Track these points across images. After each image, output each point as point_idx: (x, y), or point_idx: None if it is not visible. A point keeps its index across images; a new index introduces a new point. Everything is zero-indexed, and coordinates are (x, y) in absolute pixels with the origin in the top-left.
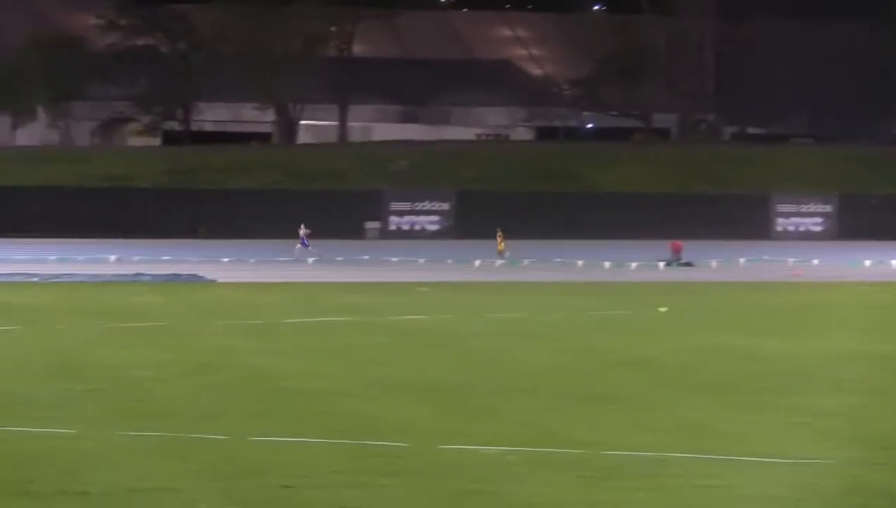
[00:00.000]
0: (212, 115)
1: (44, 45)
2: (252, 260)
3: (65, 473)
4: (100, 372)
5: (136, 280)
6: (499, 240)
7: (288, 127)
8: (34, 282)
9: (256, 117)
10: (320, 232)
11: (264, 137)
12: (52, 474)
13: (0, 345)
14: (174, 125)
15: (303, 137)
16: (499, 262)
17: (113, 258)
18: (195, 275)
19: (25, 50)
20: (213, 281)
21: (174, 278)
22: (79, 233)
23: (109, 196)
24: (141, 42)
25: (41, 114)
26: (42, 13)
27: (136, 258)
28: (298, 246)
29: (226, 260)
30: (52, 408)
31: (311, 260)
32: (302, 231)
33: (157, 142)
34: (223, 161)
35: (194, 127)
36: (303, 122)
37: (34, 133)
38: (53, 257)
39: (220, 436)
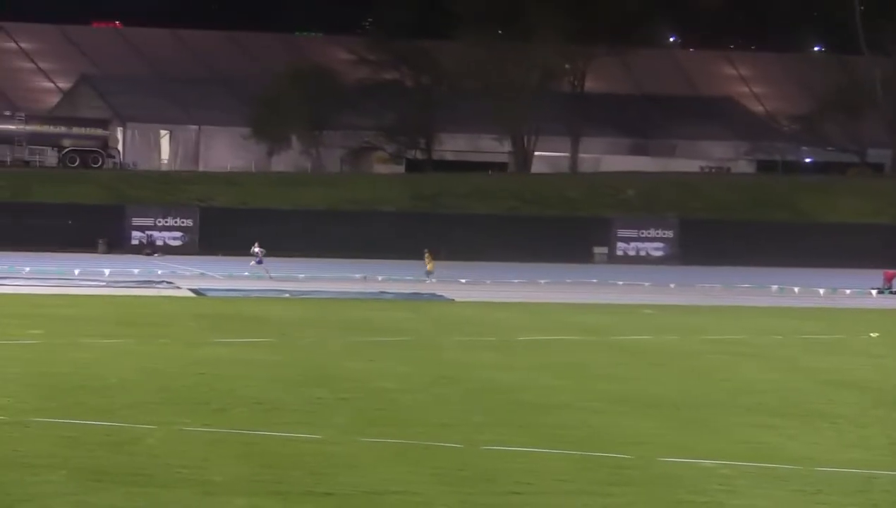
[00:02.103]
0: (452, 145)
1: (300, 77)
2: (488, 281)
3: (312, 475)
4: (346, 382)
5: (379, 297)
6: (427, 259)
7: (523, 157)
8: (286, 298)
9: (494, 147)
10: (551, 255)
11: (501, 166)
12: (300, 476)
13: (254, 355)
14: (417, 153)
15: (537, 167)
16: (431, 280)
17: (359, 276)
18: (435, 294)
19: (283, 82)
20: (451, 300)
21: (415, 296)
22: (328, 252)
23: (356, 218)
24: (388, 76)
25: (295, 142)
26: (298, 47)
27: (381, 277)
28: (253, 262)
29: (464, 280)
30: (302, 415)
31: (270, 274)
32: (256, 248)
33: (401, 169)
34: (463, 187)
35: (436, 155)
36: (537, 153)
37: (288, 159)
38: (303, 274)
39: (456, 444)
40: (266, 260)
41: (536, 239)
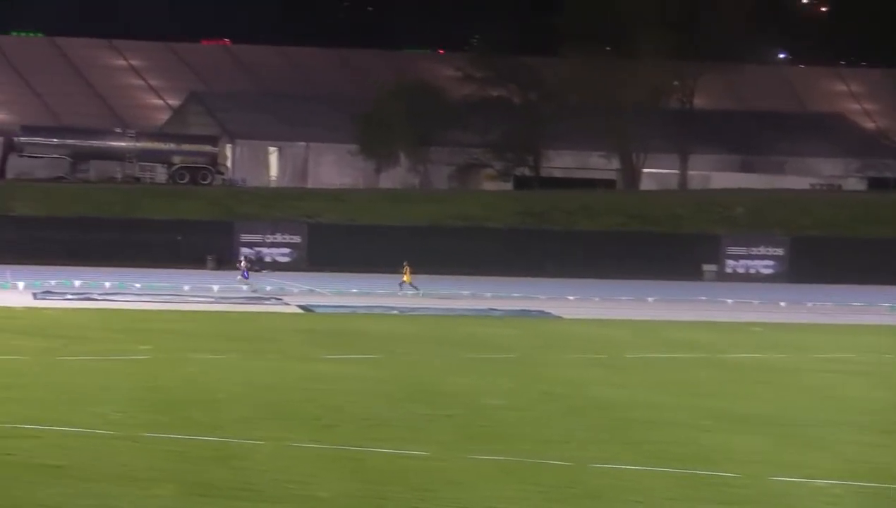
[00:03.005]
0: (560, 162)
1: (407, 94)
2: (596, 298)
3: (416, 491)
4: (452, 398)
5: (487, 314)
6: (405, 272)
7: (631, 174)
8: (394, 314)
9: (602, 164)
10: (659, 272)
11: (609, 183)
12: (404, 492)
13: (361, 371)
14: (525, 170)
15: (645, 184)
16: (405, 292)
17: (466, 293)
18: (543, 311)
19: (390, 98)
20: (559, 317)
21: (523, 313)
22: (435, 268)
23: (464, 235)
24: (495, 92)
25: (402, 158)
26: (404, 65)
27: (489, 294)
28: (239, 277)
29: (572, 297)
30: (408, 431)
31: (245, 288)
32: (242, 263)
33: (508, 186)
34: (570, 204)
35: (543, 172)
36: (645, 170)
37: (396, 176)
38: (411, 291)
39: (563, 462)
40: (377, 276)
41: (644, 256)
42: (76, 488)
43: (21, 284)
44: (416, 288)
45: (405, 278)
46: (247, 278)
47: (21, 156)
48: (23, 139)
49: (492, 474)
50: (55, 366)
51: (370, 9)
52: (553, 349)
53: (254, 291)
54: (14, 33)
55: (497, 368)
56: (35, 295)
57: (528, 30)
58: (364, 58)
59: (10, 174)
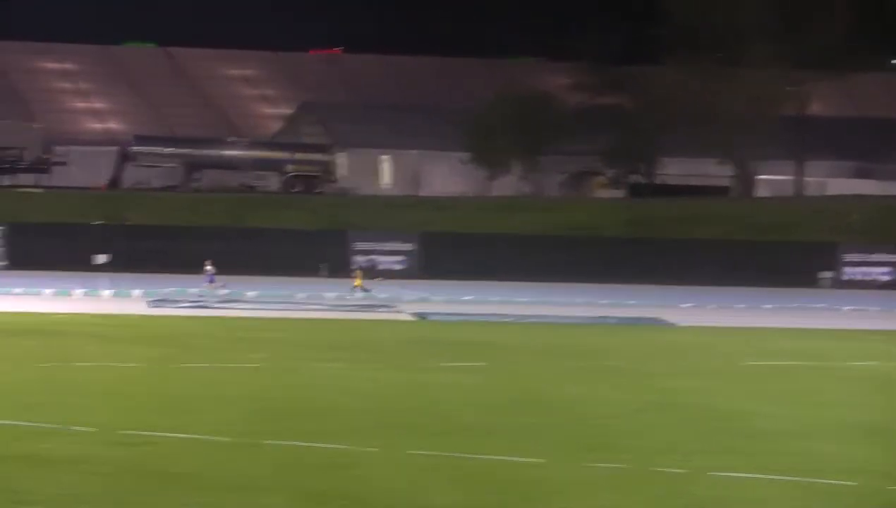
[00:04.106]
0: (672, 170)
1: (518, 103)
2: (711, 306)
3: (527, 501)
4: (563, 406)
5: (600, 322)
6: (357, 276)
7: (745, 181)
8: (506, 323)
9: (715, 172)
10: (775, 280)
11: (722, 191)
12: (515, 501)
13: (472, 380)
14: (637, 178)
15: (760, 190)
16: (356, 295)
17: (579, 301)
18: (656, 319)
19: (501, 108)
20: (672, 325)
21: (636, 321)
22: (548, 277)
23: (576, 243)
24: (606, 100)
25: (514, 167)
26: (510, 73)
27: (602, 302)
28: (205, 283)
29: (685, 305)
30: (518, 439)
31: (223, 291)
32: (208, 267)
33: (620, 194)
34: (683, 212)
35: (656, 180)
36: (760, 177)
37: (507, 184)
38: (524, 299)
39: (677, 470)
40: (490, 284)
41: (759, 263)
42: (190, 496)
43: (136, 293)
44: (367, 290)
45: (356, 282)
46: (212, 282)
47: (135, 166)
48: (137, 149)
49: (602, 483)
50: (169, 374)
51: (475, 19)
52: (666, 357)
53: (369, 299)
54: (128, 44)
55: (610, 377)
56: (150, 304)
57: (636, 38)
58: (471, 67)
59: (124, 183)
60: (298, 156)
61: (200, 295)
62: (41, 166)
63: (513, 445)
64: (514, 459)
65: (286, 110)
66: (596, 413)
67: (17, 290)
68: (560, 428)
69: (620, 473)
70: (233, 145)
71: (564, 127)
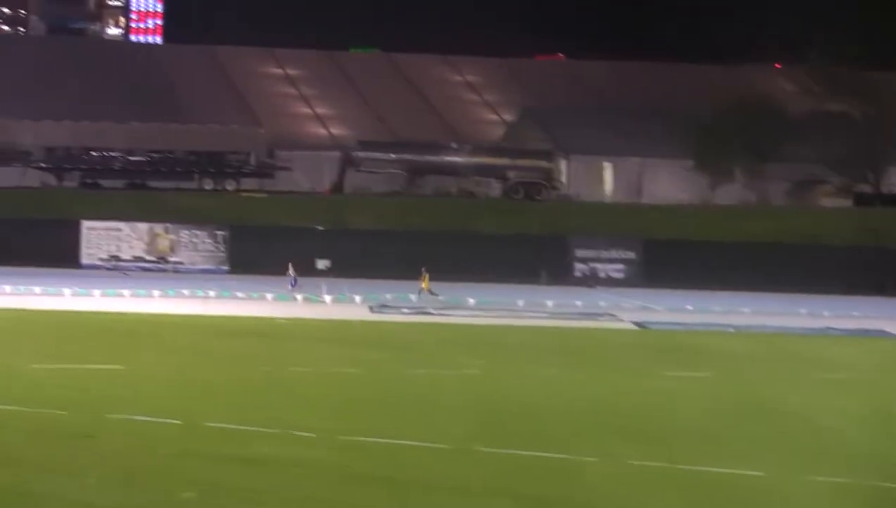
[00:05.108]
0: None
1: (744, 109)
2: None
3: None
4: (787, 417)
5: (825, 333)
6: (423, 278)
7: None
8: (730, 332)
9: None
10: None
11: None
12: None
13: (695, 388)
14: (865, 187)
15: None
16: (415, 297)
17: (803, 311)
18: (883, 331)
19: (728, 113)
20: None
21: (861, 333)
22: (772, 286)
23: (802, 252)
24: (833, 107)
25: (738, 174)
26: (737, 78)
27: (826, 313)
28: (288, 286)
29: None
30: (741, 449)
31: (299, 296)
32: (290, 271)
33: (848, 203)
34: None
35: (885, 189)
36: None
37: (731, 192)
38: (747, 309)
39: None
40: (712, 293)
41: None
42: (413, 500)
43: (358, 297)
44: (434, 293)
45: (424, 285)
46: (295, 286)
47: (358, 171)
48: (360, 154)
49: (828, 498)
50: (388, 379)
51: (700, 23)
52: (892, 369)
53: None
54: (352, 49)
55: (835, 388)
56: (371, 309)
57: (870, 41)
58: (695, 72)
59: (347, 189)
60: (520, 162)
61: (419, 302)
62: (266, 171)
63: (736, 455)
64: (737, 471)
65: (508, 116)
66: (822, 424)
67: (240, 294)
68: (785, 439)
69: (848, 489)
70: (455, 151)
71: (792, 133)
